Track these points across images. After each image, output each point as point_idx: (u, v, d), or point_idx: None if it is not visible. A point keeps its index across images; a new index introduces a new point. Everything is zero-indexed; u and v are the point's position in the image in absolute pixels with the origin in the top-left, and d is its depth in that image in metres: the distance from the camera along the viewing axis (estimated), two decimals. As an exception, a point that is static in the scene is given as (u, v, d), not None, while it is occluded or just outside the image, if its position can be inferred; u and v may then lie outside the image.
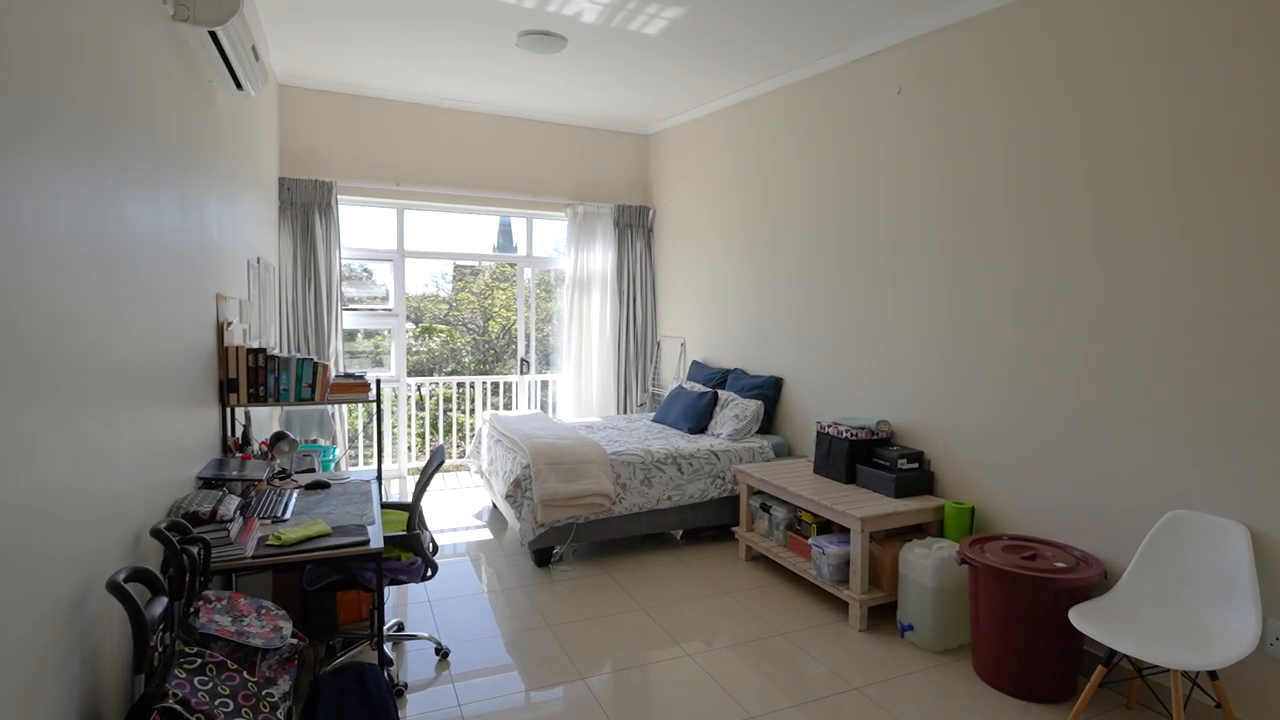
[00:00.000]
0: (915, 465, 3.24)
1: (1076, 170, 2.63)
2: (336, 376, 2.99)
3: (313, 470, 3.55)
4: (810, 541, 3.22)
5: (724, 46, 3.72)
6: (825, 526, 3.36)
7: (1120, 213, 2.49)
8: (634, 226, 5.63)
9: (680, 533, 4.00)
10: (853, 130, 3.70)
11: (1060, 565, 2.45)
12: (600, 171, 5.60)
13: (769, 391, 4.30)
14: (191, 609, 1.59)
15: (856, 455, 3.40)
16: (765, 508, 3.64)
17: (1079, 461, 2.63)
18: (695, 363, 5.09)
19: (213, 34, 2.12)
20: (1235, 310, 2.18)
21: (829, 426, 3.51)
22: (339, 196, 4.66)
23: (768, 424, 4.32)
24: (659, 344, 5.75)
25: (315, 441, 4.25)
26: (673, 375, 5.53)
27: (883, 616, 3.04)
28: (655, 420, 4.75)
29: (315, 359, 2.91)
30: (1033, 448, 2.80)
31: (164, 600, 1.33)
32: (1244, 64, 2.15)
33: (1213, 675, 2.12)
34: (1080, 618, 2.23)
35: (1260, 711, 2.15)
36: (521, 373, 5.58)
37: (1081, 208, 2.61)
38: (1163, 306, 2.37)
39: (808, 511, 3.37)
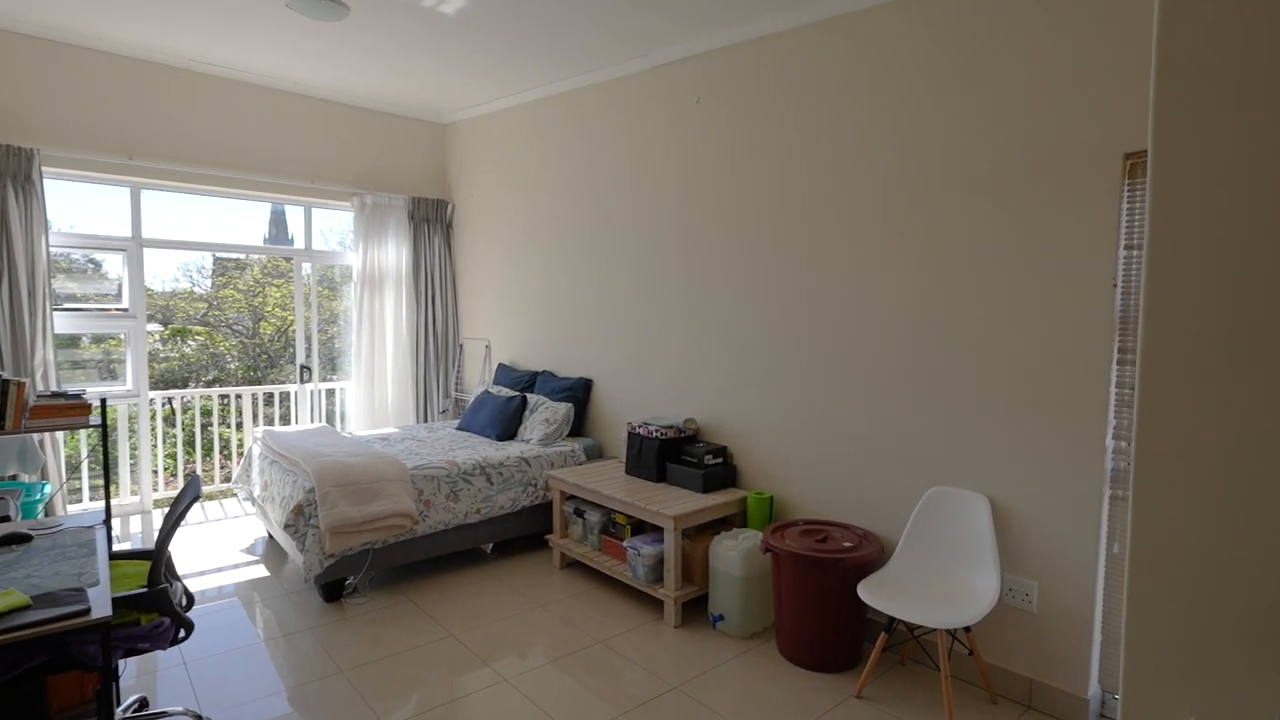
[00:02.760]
0: (720, 460, 3.38)
1: (858, 184, 2.90)
2: (39, 396, 2.36)
3: (8, 518, 2.78)
4: (625, 544, 3.21)
5: (525, 39, 3.58)
6: (639, 527, 3.38)
7: (892, 226, 2.79)
8: (431, 221, 5.26)
9: (491, 546, 3.79)
10: (655, 136, 3.77)
11: (848, 545, 2.68)
12: (392, 160, 5.15)
13: (579, 393, 4.25)
14: None
15: (666, 454, 3.46)
16: (579, 513, 3.58)
17: (859, 449, 2.91)
18: (502, 366, 4.88)
19: None
20: (974, 314, 2.54)
21: (639, 427, 3.54)
22: (44, 168, 3.73)
23: (579, 426, 4.27)
24: (462, 346, 5.44)
25: (14, 479, 3.36)
26: (478, 379, 5.26)
27: (696, 610, 3.12)
28: (460, 428, 4.47)
29: (5, 375, 2.26)
30: (820, 439, 3.05)
31: None
32: (982, 96, 2.50)
33: (966, 629, 2.46)
34: (866, 591, 2.45)
35: (999, 649, 2.53)
36: (302, 381, 4.93)
37: (858, 220, 2.89)
38: (926, 314, 2.69)
39: (621, 513, 3.36)
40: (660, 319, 3.81)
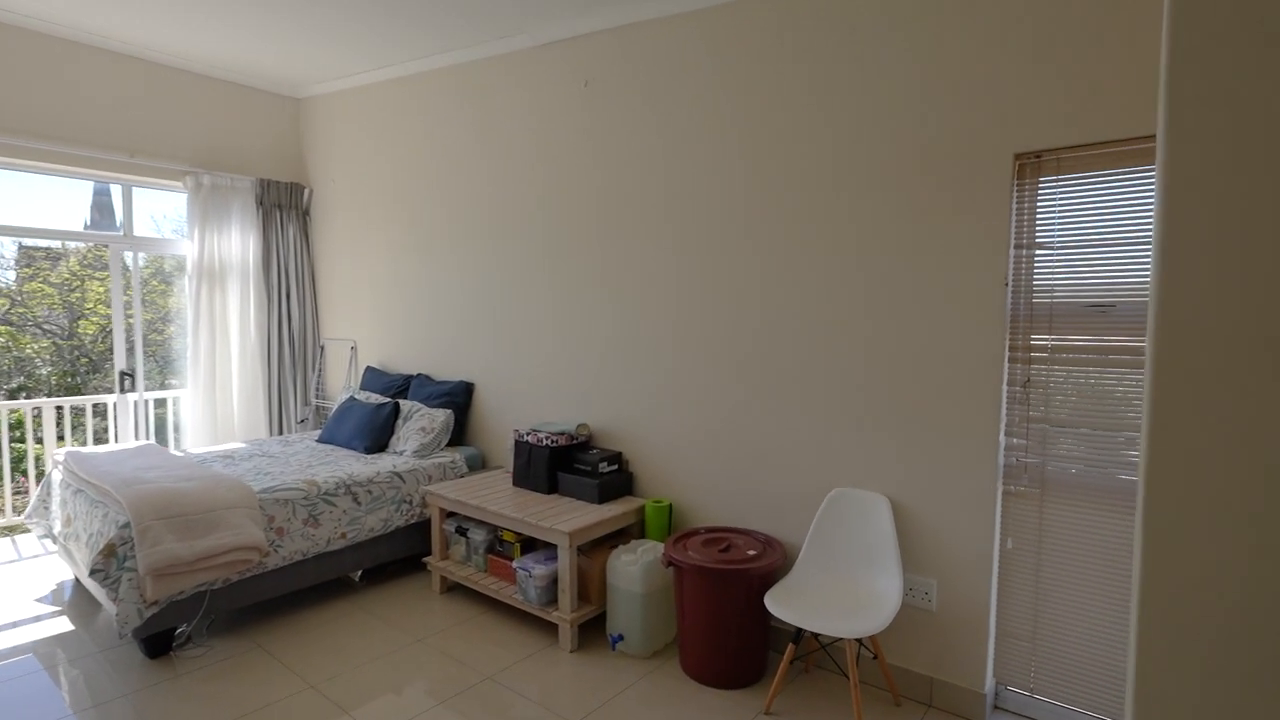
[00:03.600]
0: (615, 468, 3.18)
1: (756, 180, 2.79)
2: None
3: None
4: (515, 564, 2.93)
5: (402, 2, 3.19)
6: (529, 545, 3.11)
7: (778, 220, 2.70)
8: (284, 207, 4.66)
9: (359, 574, 3.37)
10: (545, 119, 3.50)
11: (752, 553, 2.57)
12: (235, 136, 4.50)
13: (459, 399, 3.89)
14: None
15: (558, 463, 3.22)
16: (462, 531, 3.25)
17: (759, 452, 2.82)
18: (370, 369, 4.41)
19: None
20: (870, 314, 2.50)
21: (528, 434, 3.27)
22: None
23: (460, 435, 3.91)
24: (323, 348, 4.88)
25: None
26: (343, 385, 4.74)
27: (594, 630, 2.90)
28: (322, 441, 3.97)
29: None
30: (720, 442, 2.93)
31: None
32: (877, 91, 2.46)
33: (871, 632, 2.41)
34: (773, 602, 2.34)
35: (901, 649, 2.51)
36: (122, 390, 4.19)
37: (755, 218, 2.78)
38: (820, 313, 2.63)
39: (510, 530, 3.08)
40: (550, 317, 3.54)
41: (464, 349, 3.98)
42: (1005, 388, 2.28)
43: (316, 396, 4.82)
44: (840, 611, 2.30)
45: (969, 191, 2.29)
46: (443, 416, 3.76)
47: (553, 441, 3.18)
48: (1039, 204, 2.22)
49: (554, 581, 2.86)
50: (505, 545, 3.12)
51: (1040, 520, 2.25)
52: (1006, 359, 2.27)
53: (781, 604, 2.33)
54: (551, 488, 3.21)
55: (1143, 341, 2.06)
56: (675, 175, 3.02)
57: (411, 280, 4.25)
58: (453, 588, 3.33)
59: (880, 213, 2.48)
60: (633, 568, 2.70)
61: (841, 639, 2.47)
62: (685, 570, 2.53)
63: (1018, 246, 2.26)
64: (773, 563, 2.52)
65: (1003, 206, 2.23)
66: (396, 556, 3.41)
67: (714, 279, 2.92)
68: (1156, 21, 1.95)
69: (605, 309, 3.30)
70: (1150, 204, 2.03)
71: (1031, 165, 2.22)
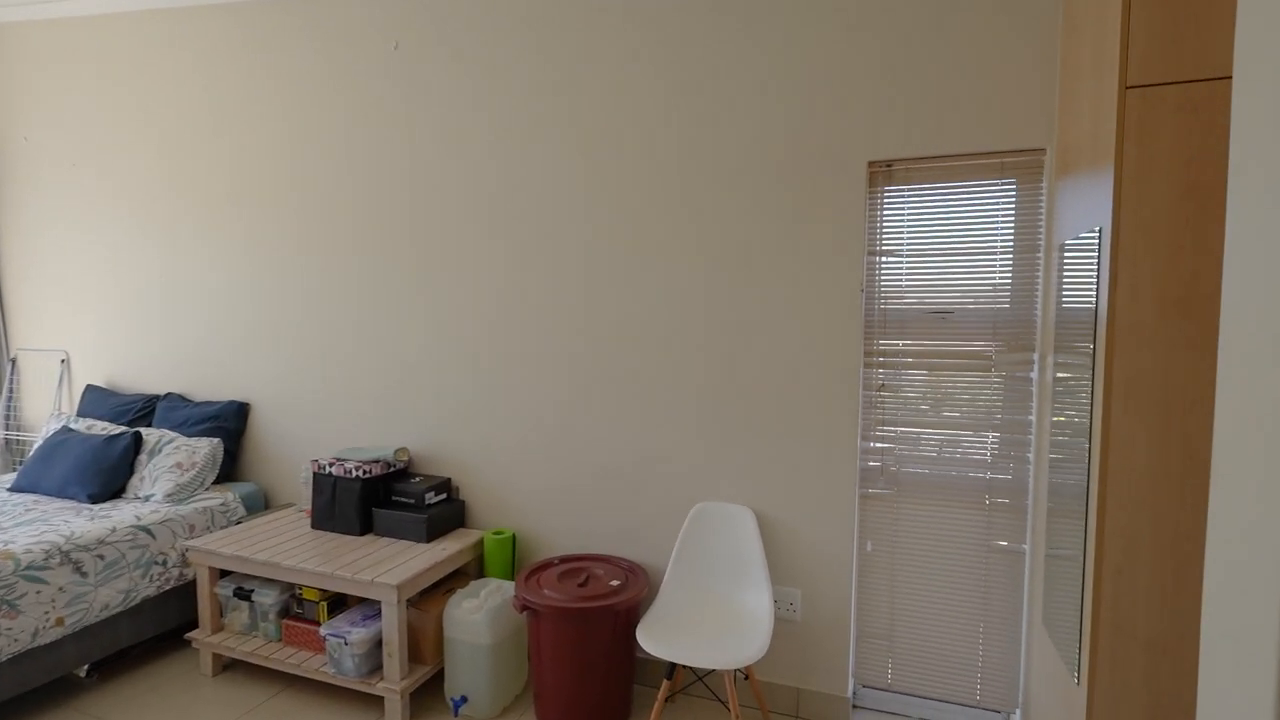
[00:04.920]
0: (444, 497, 2.74)
1: (584, 174, 2.54)
2: None
3: None
4: (323, 630, 2.36)
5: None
6: (340, 601, 2.55)
7: (625, 219, 2.50)
8: (-55, 170, 3.40)
9: (86, 669, 2.50)
10: (350, 87, 2.90)
11: (615, 584, 2.33)
12: None
13: (230, 424, 3.12)
14: None
15: (372, 496, 2.68)
16: (243, 594, 2.56)
17: (614, 469, 2.58)
18: (93, 389, 3.38)
19: None
20: (729, 320, 2.40)
21: (331, 464, 2.68)
22: None
23: (231, 469, 3.14)
24: (14, 362, 3.66)
25: None
26: (51, 411, 3.60)
27: (428, 695, 2.45)
28: (17, 489, 2.94)
29: None
30: (567, 460, 2.65)
31: None
32: (732, 91, 2.35)
33: (742, 653, 2.30)
34: (647, 637, 2.12)
35: (768, 663, 2.45)
36: None
37: (603, 215, 2.54)
38: (676, 318, 2.46)
39: (313, 588, 2.49)
40: (355, 322, 2.96)
41: (235, 361, 3.20)
42: (861, 392, 2.30)
43: (7, 427, 3.60)
44: (715, 637, 2.15)
45: (826, 197, 2.27)
46: (207, 447, 2.97)
47: (365, 472, 2.64)
48: (888, 212, 2.27)
49: (378, 645, 2.35)
50: (307, 606, 2.52)
51: (895, 521, 2.31)
52: (862, 364, 2.29)
53: (655, 638, 2.12)
54: (365, 528, 2.67)
55: (979, 345, 2.19)
56: (503, 161, 2.66)
57: (157, 274, 3.33)
58: (232, 666, 2.63)
59: (739, 215, 2.38)
60: (476, 615, 2.31)
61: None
62: (543, 614, 2.21)
63: (870, 253, 2.29)
64: (638, 592, 2.30)
65: (858, 213, 2.24)
66: (144, 637, 2.60)
67: (553, 280, 2.62)
68: (1005, 45, 2.07)
69: (423, 312, 2.83)
70: (987, 216, 2.16)
71: (883, 173, 2.26)
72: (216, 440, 3.02)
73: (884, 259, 2.28)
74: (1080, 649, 1.65)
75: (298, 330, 3.07)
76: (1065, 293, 1.92)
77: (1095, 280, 1.61)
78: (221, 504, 2.89)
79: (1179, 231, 1.49)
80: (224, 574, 2.66)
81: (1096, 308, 1.60)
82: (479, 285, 2.74)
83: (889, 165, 2.24)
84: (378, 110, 2.85)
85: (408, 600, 2.38)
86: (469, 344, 2.77)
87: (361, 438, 2.98)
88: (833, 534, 2.33)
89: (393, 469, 2.77)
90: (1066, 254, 1.91)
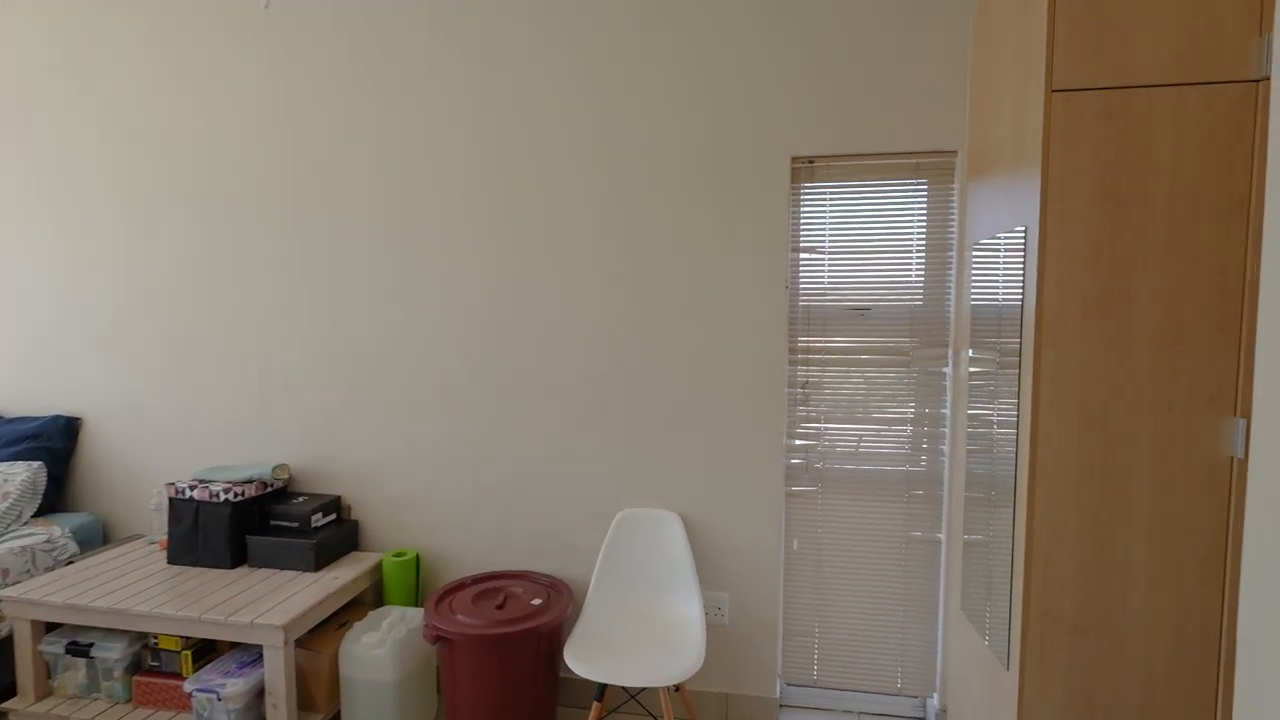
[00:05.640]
0: (333, 517, 2.43)
1: (520, 160, 2.34)
2: None
3: None
4: (189, 685, 2.00)
5: None
6: (208, 647, 2.18)
7: (540, 208, 2.33)
8: None
9: None
10: (214, 47, 2.49)
11: (536, 603, 2.16)
12: None
13: (54, 443, 2.61)
14: None
15: (245, 523, 2.33)
16: (79, 649, 2.13)
17: (530, 476, 2.40)
18: None
19: None
20: (653, 318, 2.29)
21: (192, 487, 2.30)
22: None
23: (58, 498, 2.62)
24: None
25: None
26: None
27: (318, 745, 2.15)
28: None
29: None
30: (476, 467, 2.43)
31: None
32: (659, 80, 2.24)
33: (673, 664, 2.21)
34: (575, 658, 1.97)
35: (700, 671, 2.36)
36: None
37: (520, 203, 2.34)
38: (598, 315, 2.33)
39: (172, 635, 2.11)
40: (218, 318, 2.56)
41: (65, 369, 2.68)
42: (787, 390, 2.28)
43: None
44: (647, 652, 2.03)
45: (752, 192, 2.22)
46: (24, 473, 2.46)
47: (236, 494, 2.29)
48: (811, 209, 2.26)
49: (259, 695, 2.03)
50: (165, 658, 2.13)
51: (820, 517, 2.31)
52: (787, 361, 2.27)
53: (583, 658, 1.97)
54: (238, 559, 2.31)
55: (897, 341, 2.23)
56: (406, 146, 2.39)
57: (-56, 263, 2.71)
58: (64, 737, 2.17)
59: (662, 209, 2.27)
60: (379, 650, 2.05)
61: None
62: (457, 643, 2.00)
63: (794, 249, 2.27)
64: (562, 610, 2.14)
65: (782, 208, 2.21)
66: (-59, 713, 2.10)
67: (460, 274, 2.39)
68: (919, 48, 2.10)
69: (305, 307, 2.49)
70: (902, 215, 2.20)
71: (805, 170, 2.24)
72: (37, 464, 2.51)
73: (806, 255, 2.27)
74: (1010, 636, 1.70)
75: (142, 328, 2.61)
76: (976, 290, 1.99)
77: (1022, 278, 1.66)
78: (46, 541, 2.40)
79: (1098, 233, 1.56)
80: (51, 627, 2.20)
81: (1023, 305, 1.65)
82: (373, 278, 2.45)
83: (811, 162, 2.23)
84: (244, 75, 2.47)
85: (295, 640, 2.07)
86: (360, 343, 2.47)
87: (230, 454, 2.59)
88: (760, 534, 2.29)
89: (271, 489, 2.42)
90: (979, 253, 1.97)
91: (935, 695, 2.28)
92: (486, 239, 2.37)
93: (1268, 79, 1.48)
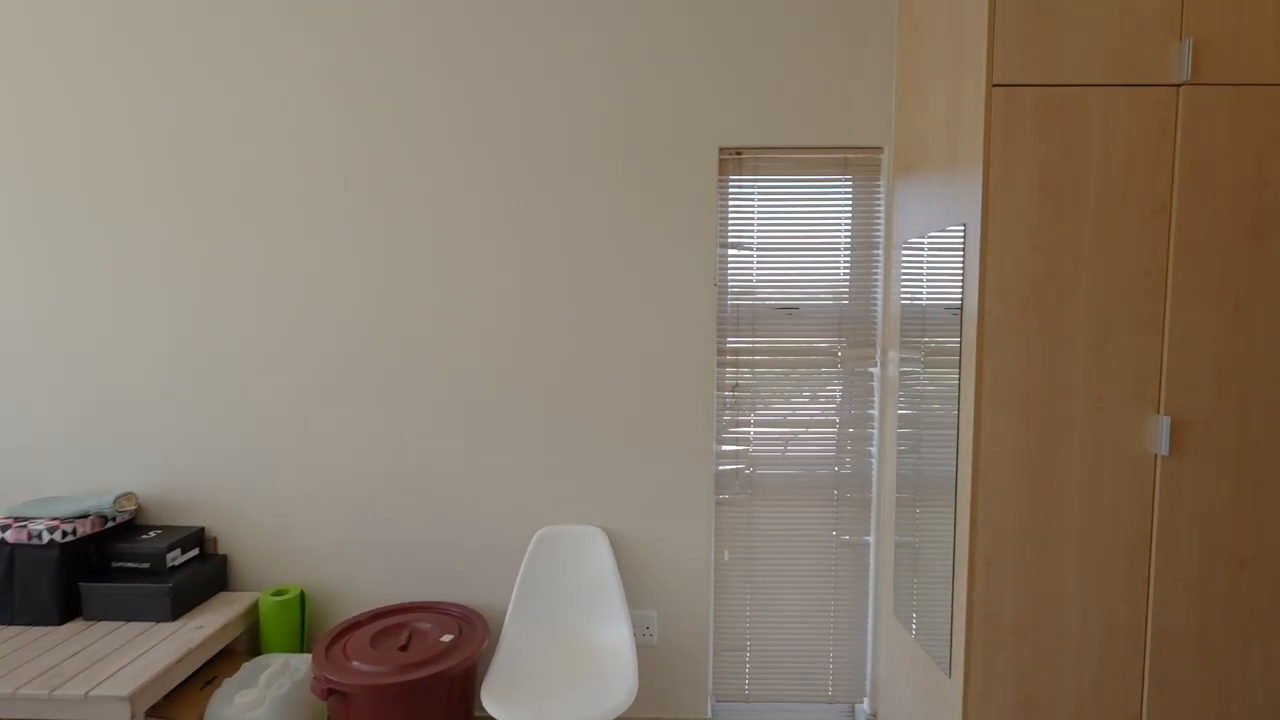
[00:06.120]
0: (195, 553, 2.07)
1: (404, 171, 2.07)
2: None
3: None
4: (-1, 779, 1.60)
5: None
6: (27, 725, 1.76)
7: (460, 217, 2.09)
8: None
9: None
10: (-4, -22, 2.03)
11: (447, 639, 1.91)
12: None
13: None
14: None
15: (78, 566, 1.92)
16: None
17: (440, 497, 2.15)
18: None
19: None
20: (574, 319, 2.11)
21: (4, 527, 1.86)
22: None
23: None
24: None
25: None
26: None
27: (179, 830, 1.79)
28: None
29: None
30: (377, 489, 2.14)
31: None
32: (582, 59, 2.05)
33: (600, 693, 2.04)
34: (493, 699, 1.76)
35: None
36: None
37: (385, 214, 2.08)
38: (509, 318, 2.11)
39: (-22, 715, 1.68)
40: (42, 317, 2.11)
41: None
42: (716, 393, 2.17)
43: None
44: (576, 686, 1.85)
45: (679, 184, 2.09)
46: None
47: (65, 532, 1.88)
48: (739, 202, 2.15)
49: (98, 782, 1.66)
50: (-33, 744, 1.70)
51: (750, 525, 2.22)
52: (715, 363, 2.15)
53: (504, 700, 1.76)
54: (68, 612, 1.90)
55: (826, 342, 2.17)
56: (257, 127, 2.07)
57: None
58: None
59: (585, 200, 2.09)
60: (257, 712, 1.74)
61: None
62: (354, 696, 1.73)
63: (722, 245, 2.16)
64: (477, 647, 1.91)
65: (710, 201, 2.09)
66: None
67: (343, 264, 2.10)
68: (845, 41, 2.05)
69: (153, 303, 2.10)
70: (830, 211, 2.14)
71: (733, 161, 2.13)
72: None
73: (734, 252, 2.16)
74: (952, 642, 1.67)
75: (-65, 334, 2.10)
76: (906, 289, 1.96)
77: (961, 277, 1.62)
78: None
79: (1035, 231, 1.54)
80: None
81: (963, 304, 1.61)
82: (237, 271, 2.10)
83: (739, 153, 2.12)
84: (74, 29, 2.04)
85: (147, 711, 1.71)
86: (224, 348, 2.11)
87: (56, 484, 2.14)
88: (690, 546, 2.16)
89: (113, 524, 2.01)
90: (909, 252, 1.94)
91: (865, 700, 2.24)
92: (380, 235, 2.08)
93: (1188, 83, 1.51)
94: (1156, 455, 1.56)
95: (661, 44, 2.05)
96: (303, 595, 2.10)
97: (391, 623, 1.99)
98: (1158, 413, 1.56)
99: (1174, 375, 1.55)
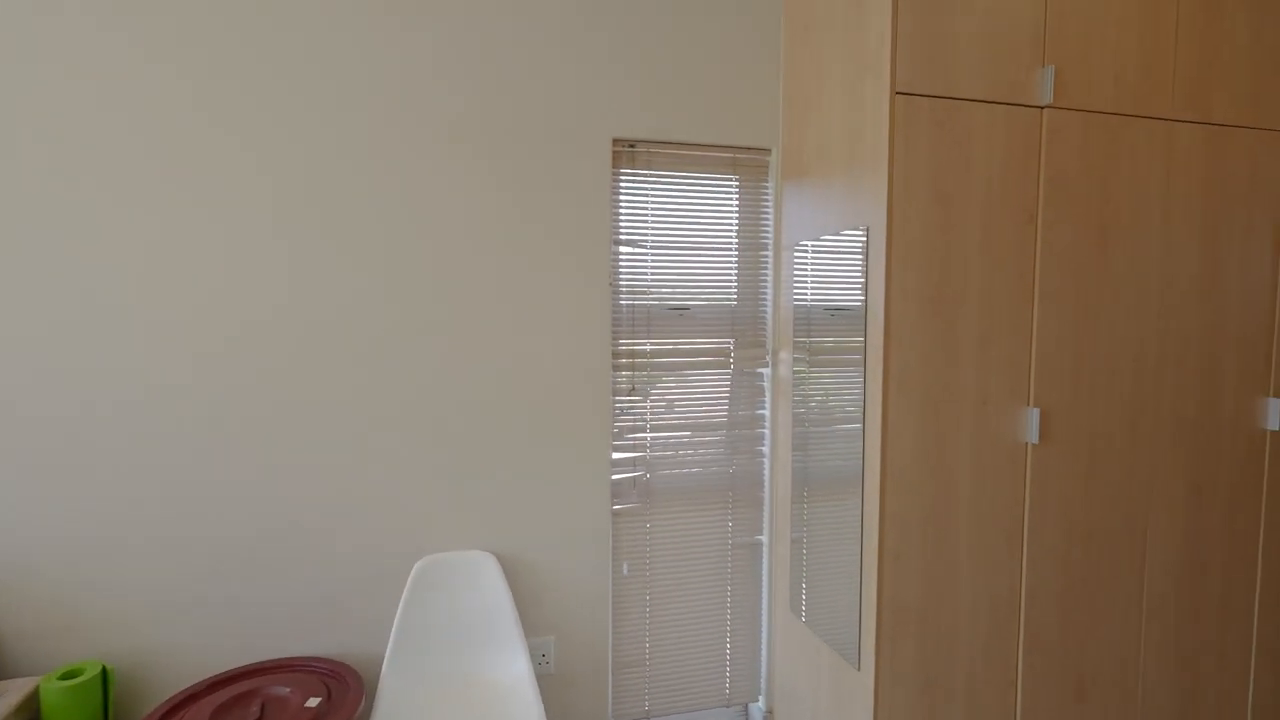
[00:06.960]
0: (-61, 634, 1.54)
1: (311, 131, 1.71)
2: None
3: None
4: None
5: None
6: None
7: (327, 207, 1.77)
8: None
9: None
10: None
11: (313, 704, 1.60)
12: None
13: None
14: None
15: None
16: None
17: (291, 529, 1.80)
18: None
19: None
20: (452, 326, 1.88)
21: None
22: None
23: None
24: None
25: None
26: None
27: None
28: None
29: None
30: (208, 525, 1.75)
31: None
32: (460, 39, 1.83)
33: (497, 736, 1.83)
34: (379, 770, 1.50)
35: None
36: None
37: (239, 195, 1.73)
38: (379, 325, 1.83)
39: None
40: None
41: None
42: (613, 398, 2.05)
43: None
44: (476, 734, 1.64)
45: (571, 175, 1.94)
46: None
47: None
48: (632, 197, 2.06)
49: None
50: None
51: (648, 535, 2.13)
52: (611, 366, 2.04)
53: (393, 765, 1.51)
54: None
55: (718, 343, 2.15)
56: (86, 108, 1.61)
57: None
58: None
59: (466, 193, 1.87)
60: (50, 836, 1.32)
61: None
62: (199, 790, 1.38)
63: (616, 242, 2.05)
64: (351, 709, 1.62)
65: (604, 194, 1.97)
66: None
67: (191, 263, 1.70)
68: (735, 40, 2.03)
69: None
70: (720, 211, 2.12)
71: (627, 154, 2.03)
72: None
73: (627, 250, 2.06)
74: (861, 637, 1.71)
75: None
76: (798, 291, 1.99)
77: (863, 279, 1.66)
78: None
79: (932, 235, 1.62)
80: None
81: (867, 305, 1.65)
82: (18, 262, 1.60)
83: (632, 145, 2.03)
84: None
85: None
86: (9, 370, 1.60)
87: None
88: (587, 563, 2.03)
89: None
90: (801, 254, 1.97)
91: (760, 699, 2.26)
92: (230, 229, 1.70)
93: (1050, 106, 1.67)
94: (1028, 444, 1.71)
95: (552, 29, 1.90)
96: (106, 673, 1.65)
97: (238, 691, 1.63)
98: (1029, 405, 1.71)
99: (1041, 371, 1.71)
